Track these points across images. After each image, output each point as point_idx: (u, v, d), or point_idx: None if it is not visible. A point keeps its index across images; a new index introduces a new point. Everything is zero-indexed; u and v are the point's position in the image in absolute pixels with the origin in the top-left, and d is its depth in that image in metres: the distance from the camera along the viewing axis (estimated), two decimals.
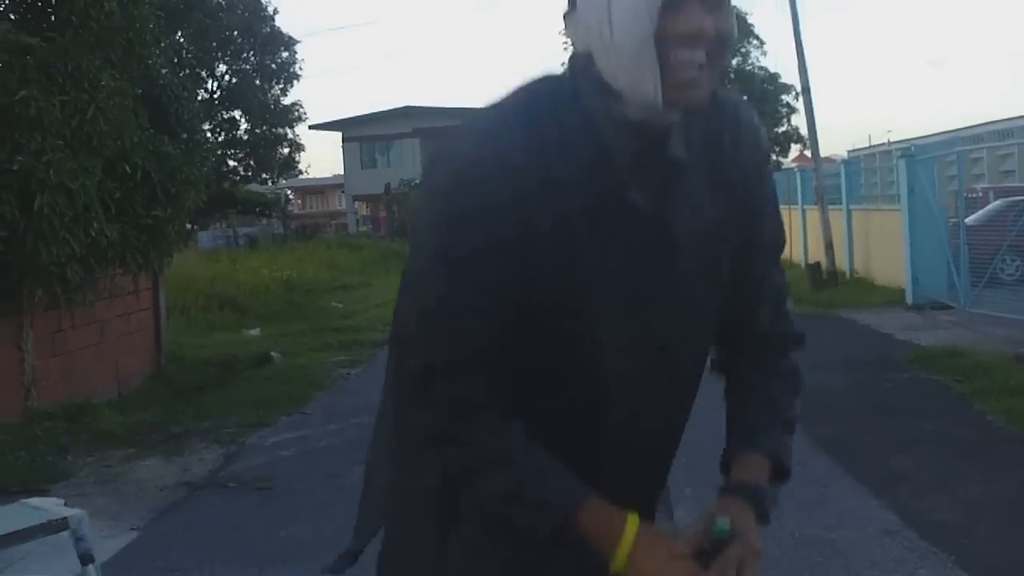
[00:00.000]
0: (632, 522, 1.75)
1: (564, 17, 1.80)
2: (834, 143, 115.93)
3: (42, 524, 3.83)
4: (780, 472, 1.97)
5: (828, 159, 28.23)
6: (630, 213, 1.76)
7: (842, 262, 22.06)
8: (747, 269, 1.95)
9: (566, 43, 34.44)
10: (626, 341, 1.81)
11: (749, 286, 1.98)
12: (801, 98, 24.12)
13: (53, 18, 9.22)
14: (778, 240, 2.04)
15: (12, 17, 9.09)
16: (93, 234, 8.66)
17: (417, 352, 1.79)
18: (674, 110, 1.70)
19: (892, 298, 18.02)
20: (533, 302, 1.75)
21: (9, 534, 3.76)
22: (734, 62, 50.05)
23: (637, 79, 1.67)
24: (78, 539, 3.78)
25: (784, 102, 49.94)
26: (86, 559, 3.73)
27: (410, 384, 1.81)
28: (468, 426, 1.78)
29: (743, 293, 1.97)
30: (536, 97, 1.79)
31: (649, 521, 1.89)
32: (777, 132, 51.02)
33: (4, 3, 9.46)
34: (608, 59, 1.70)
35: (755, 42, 50.77)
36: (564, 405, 1.84)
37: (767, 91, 49.71)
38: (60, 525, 3.85)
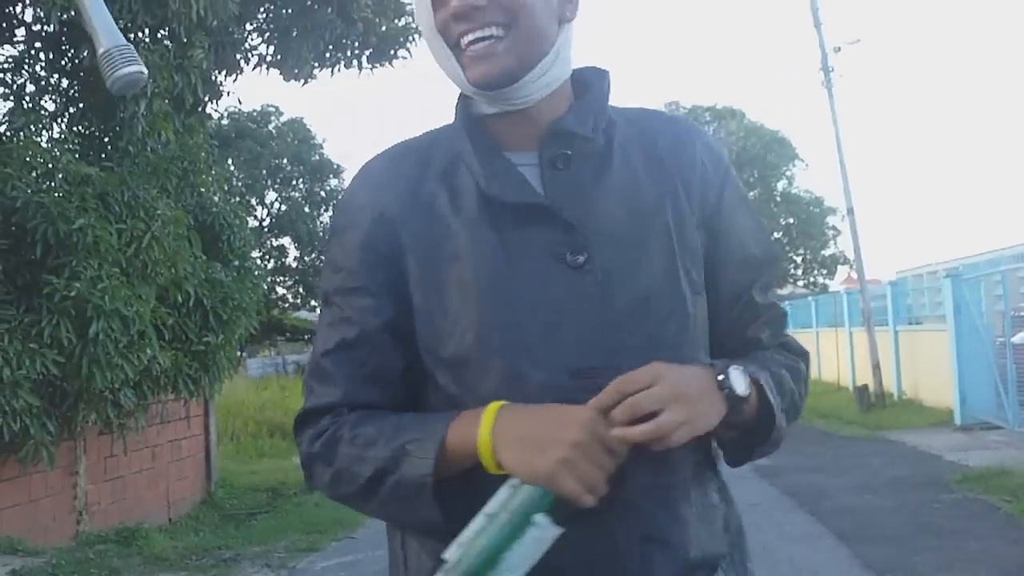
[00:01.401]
0: (494, 404, 1.59)
1: None
2: (882, 265, 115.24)
3: None
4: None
5: (875, 281, 28.15)
6: (504, 208, 1.71)
7: (890, 383, 21.85)
8: (728, 289, 1.84)
9: None
10: (516, 363, 1.66)
11: (735, 306, 1.86)
12: (847, 220, 24.18)
13: (111, 148, 9.44)
14: (756, 257, 1.88)
15: (72, 148, 9.32)
16: (146, 360, 8.75)
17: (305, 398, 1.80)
18: (484, 87, 1.71)
19: (940, 419, 17.79)
20: (409, 310, 1.72)
21: None
22: (779, 185, 50.39)
23: (445, 64, 1.75)
24: None
25: (830, 224, 50.03)
26: None
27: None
28: (331, 446, 1.71)
29: (730, 315, 1.86)
30: (419, 136, 1.88)
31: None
32: (824, 255, 51.02)
33: (65, 135, 9.71)
34: (435, 60, 1.78)
35: (800, 165, 51.12)
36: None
37: (813, 213, 49.87)
38: None
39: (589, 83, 1.83)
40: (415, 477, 1.60)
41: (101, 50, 2.56)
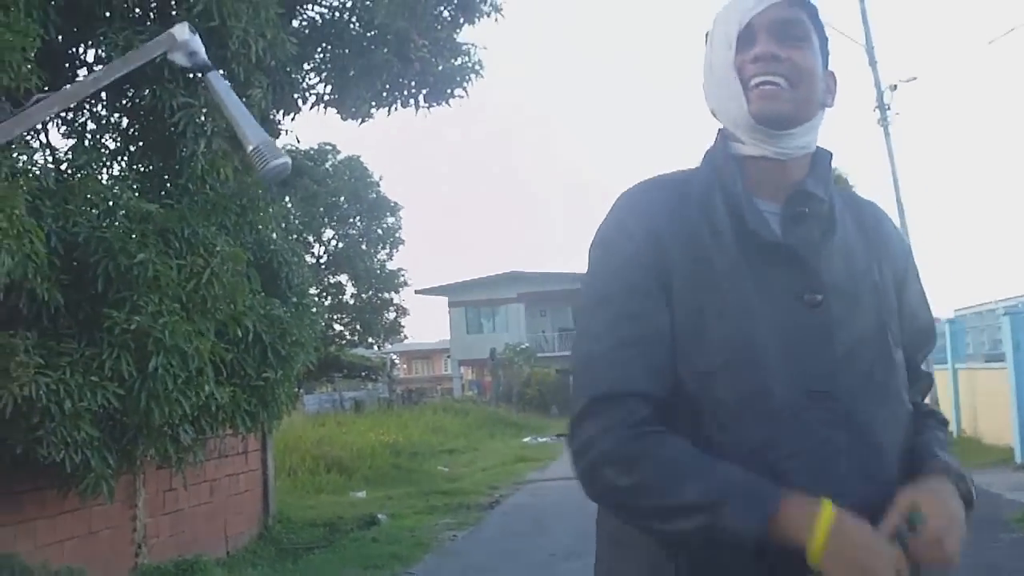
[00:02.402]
0: (826, 507, 1.80)
1: (703, 88, 2.19)
2: (941, 303, 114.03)
3: None
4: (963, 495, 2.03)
5: (936, 319, 27.86)
6: (757, 243, 2.01)
7: (949, 422, 21.59)
8: (907, 358, 2.15)
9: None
10: (761, 381, 1.95)
11: (907, 367, 2.15)
12: None
13: (170, 185, 9.58)
14: (925, 327, 2.28)
15: (133, 185, 9.47)
16: (204, 396, 8.83)
17: (581, 391, 2.02)
18: (763, 123, 2.04)
19: (1001, 457, 17.57)
20: (673, 327, 1.99)
21: None
22: None
23: (727, 100, 2.08)
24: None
25: None
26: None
27: (577, 416, 2.01)
28: (632, 456, 1.94)
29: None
30: (671, 173, 2.19)
31: None
32: None
33: (126, 172, 9.86)
34: (712, 97, 2.15)
35: None
36: (732, 439, 1.95)
37: None
38: None
39: (818, 159, 2.16)
40: (734, 529, 1.81)
41: (250, 147, 2.80)
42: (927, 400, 2.35)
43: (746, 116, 2.05)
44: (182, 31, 3.05)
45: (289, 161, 2.84)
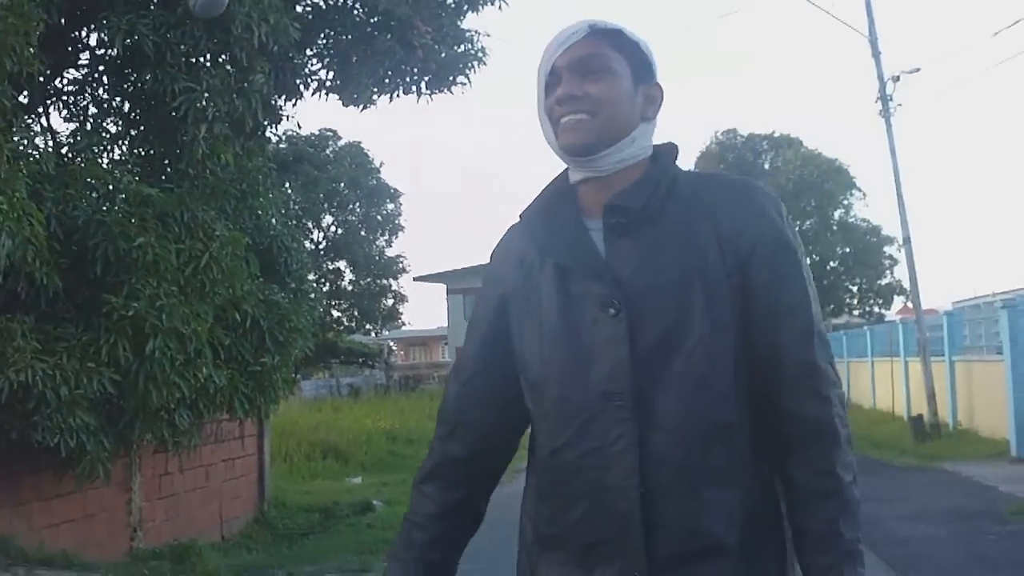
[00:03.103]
0: None
1: None
2: (939, 295, 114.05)
3: None
4: None
5: (932, 311, 27.91)
6: (567, 269, 2.29)
7: (945, 414, 21.63)
8: (765, 340, 2.23)
9: None
10: (563, 389, 2.25)
11: (772, 360, 2.23)
12: (903, 249, 24.01)
13: (171, 169, 9.57)
14: (794, 311, 2.26)
15: (133, 169, 9.44)
16: (202, 379, 8.82)
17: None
18: (571, 152, 2.31)
19: (996, 450, 17.61)
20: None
21: None
22: (836, 214, 50.09)
23: (547, 137, 2.37)
24: None
25: (887, 254, 49.59)
26: None
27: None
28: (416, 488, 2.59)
29: (768, 370, 2.23)
30: (527, 208, 2.46)
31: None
32: (880, 284, 50.58)
33: (126, 156, 9.84)
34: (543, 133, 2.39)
35: (858, 193, 50.71)
36: (547, 441, 2.30)
37: (870, 243, 49.44)
38: None
39: (659, 157, 2.37)
40: None
41: None
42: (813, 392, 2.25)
43: (557, 147, 2.35)
44: None
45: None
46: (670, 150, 2.39)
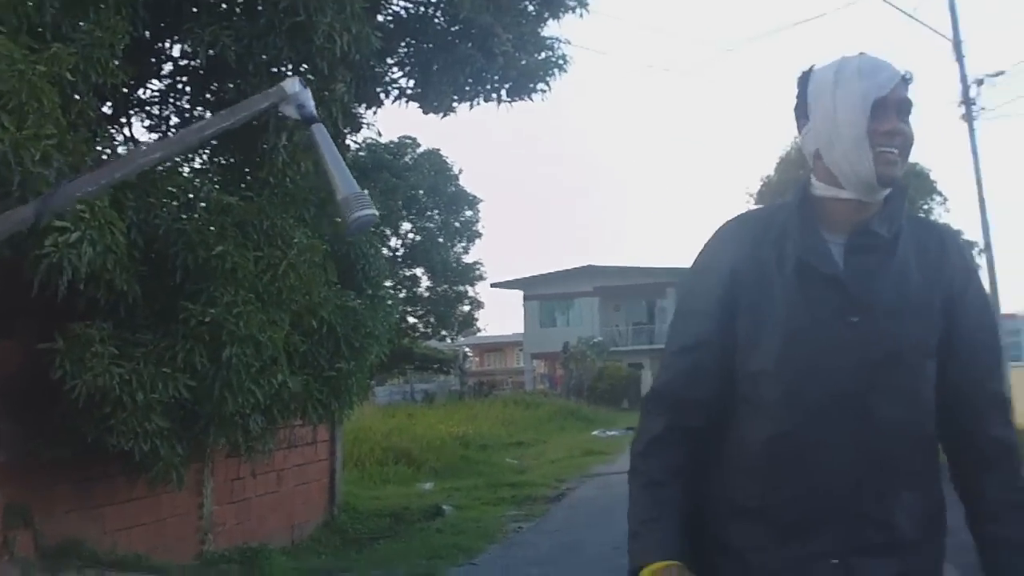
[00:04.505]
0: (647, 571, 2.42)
1: (798, 126, 2.64)
2: (1019, 300, 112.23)
3: None
4: None
5: (1012, 316, 27.43)
6: (812, 273, 2.50)
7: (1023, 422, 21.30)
8: (965, 372, 2.53)
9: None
10: (797, 383, 2.45)
11: (970, 390, 2.53)
12: (984, 255, 23.65)
13: (251, 178, 9.63)
14: (991, 349, 2.62)
15: (213, 178, 9.52)
16: (277, 385, 8.87)
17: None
18: (883, 184, 2.49)
19: None
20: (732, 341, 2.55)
21: None
22: None
23: (855, 158, 2.48)
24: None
25: None
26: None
27: None
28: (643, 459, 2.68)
29: (965, 398, 2.53)
30: (759, 209, 2.78)
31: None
32: None
33: (207, 165, 9.93)
34: (834, 152, 2.52)
35: (938, 198, 49.94)
36: (772, 429, 2.48)
37: None
38: None
39: (896, 192, 2.58)
40: (629, 555, 2.56)
41: (340, 196, 2.89)
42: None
43: (870, 174, 2.48)
44: (292, 85, 3.06)
45: (376, 213, 2.97)
46: (904, 188, 2.62)
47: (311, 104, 3.04)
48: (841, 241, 2.53)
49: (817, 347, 2.45)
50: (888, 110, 2.48)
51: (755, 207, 3.06)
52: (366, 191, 2.93)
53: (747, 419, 2.54)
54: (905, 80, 2.54)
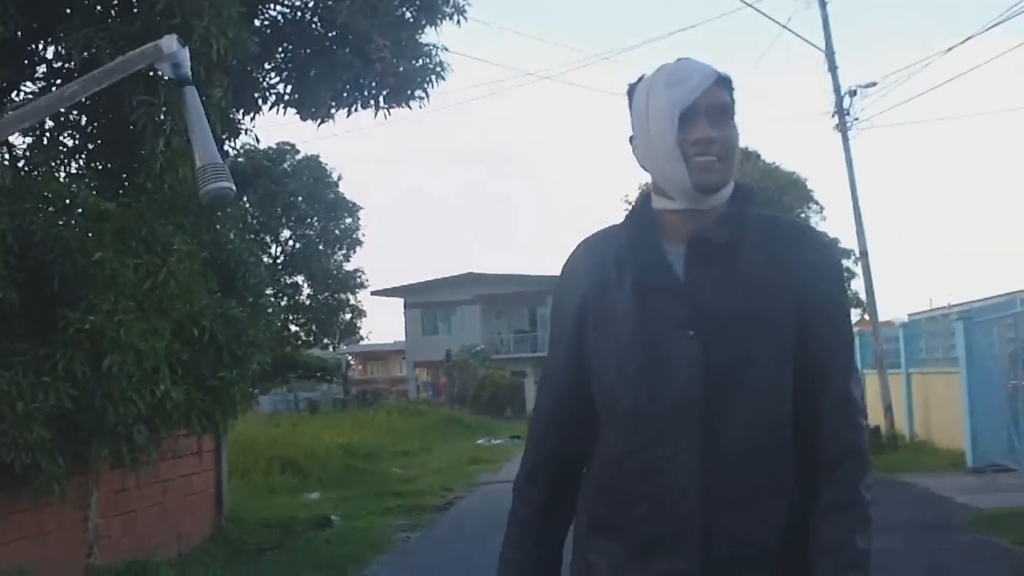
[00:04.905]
0: None
1: (631, 145, 2.65)
2: (895, 307, 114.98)
3: None
4: None
5: (888, 323, 28.08)
6: (648, 288, 2.52)
7: (901, 426, 21.82)
8: (813, 371, 2.49)
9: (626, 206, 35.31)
10: (640, 400, 2.48)
11: (817, 389, 2.49)
12: (860, 262, 24.21)
13: (128, 184, 9.50)
14: (842, 345, 2.58)
15: (90, 183, 9.37)
16: (159, 395, 8.76)
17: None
18: (703, 192, 2.49)
19: (952, 461, 17.79)
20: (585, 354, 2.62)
21: None
22: None
23: (670, 169, 2.51)
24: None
25: (844, 267, 49.86)
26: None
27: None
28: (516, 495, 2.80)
29: (812, 398, 2.49)
30: (605, 228, 2.75)
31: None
32: None
33: (84, 170, 9.77)
34: (654, 165, 2.56)
35: (815, 207, 50.95)
36: (623, 444, 2.53)
37: None
38: None
39: (739, 195, 2.60)
40: None
41: (198, 165, 2.89)
42: (860, 401, 2.58)
43: (686, 184, 2.49)
44: (170, 43, 3.04)
45: (232, 187, 2.96)
46: (750, 191, 2.63)
47: (187, 65, 3.03)
48: (682, 251, 2.54)
49: (656, 362, 2.47)
50: (698, 118, 2.48)
51: (606, 225, 2.88)
52: (227, 164, 2.91)
53: (604, 437, 2.59)
54: (722, 82, 2.54)
